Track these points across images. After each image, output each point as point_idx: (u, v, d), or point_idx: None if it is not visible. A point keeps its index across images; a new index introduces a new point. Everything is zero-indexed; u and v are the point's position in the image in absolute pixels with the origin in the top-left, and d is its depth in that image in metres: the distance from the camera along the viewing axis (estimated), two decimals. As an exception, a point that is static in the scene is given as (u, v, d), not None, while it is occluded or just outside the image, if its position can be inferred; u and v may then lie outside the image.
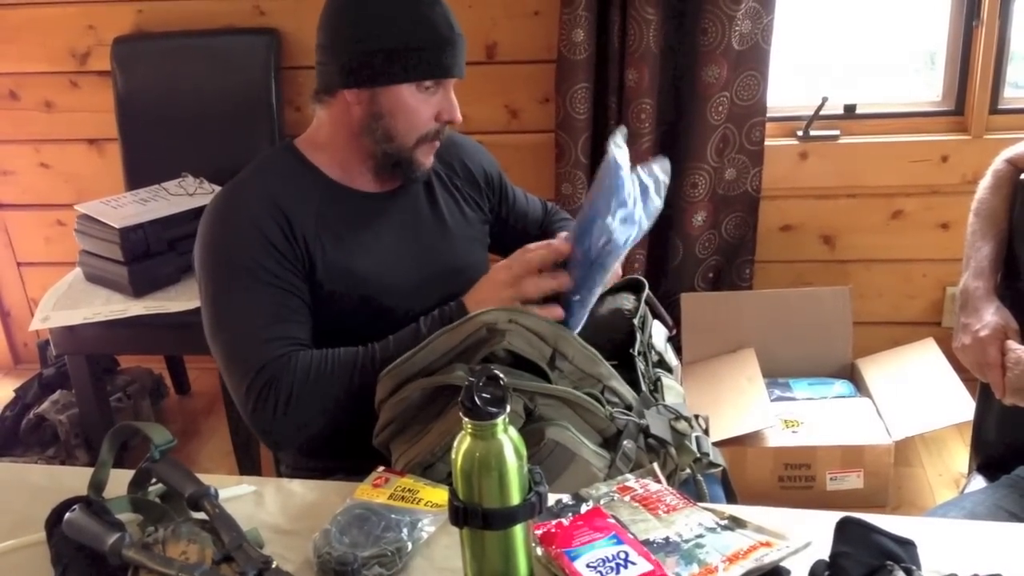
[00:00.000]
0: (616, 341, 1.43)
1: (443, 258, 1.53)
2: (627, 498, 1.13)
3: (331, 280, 1.43)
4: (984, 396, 1.61)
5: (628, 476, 1.20)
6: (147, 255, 2.36)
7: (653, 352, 1.47)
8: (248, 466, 2.46)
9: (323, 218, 1.44)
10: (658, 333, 1.51)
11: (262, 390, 1.33)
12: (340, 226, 1.45)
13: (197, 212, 2.39)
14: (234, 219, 1.42)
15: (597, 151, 2.60)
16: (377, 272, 1.45)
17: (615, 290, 1.51)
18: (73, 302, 2.38)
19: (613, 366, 1.35)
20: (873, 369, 2.64)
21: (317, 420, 1.36)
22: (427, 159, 1.48)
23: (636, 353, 1.41)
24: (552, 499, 1.12)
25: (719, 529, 1.06)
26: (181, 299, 2.33)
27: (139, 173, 2.68)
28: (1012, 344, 1.35)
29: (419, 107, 1.42)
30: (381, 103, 1.41)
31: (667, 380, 1.44)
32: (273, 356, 1.35)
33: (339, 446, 1.42)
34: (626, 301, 1.48)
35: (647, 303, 1.51)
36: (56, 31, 2.77)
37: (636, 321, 1.45)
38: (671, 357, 1.51)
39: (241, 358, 1.36)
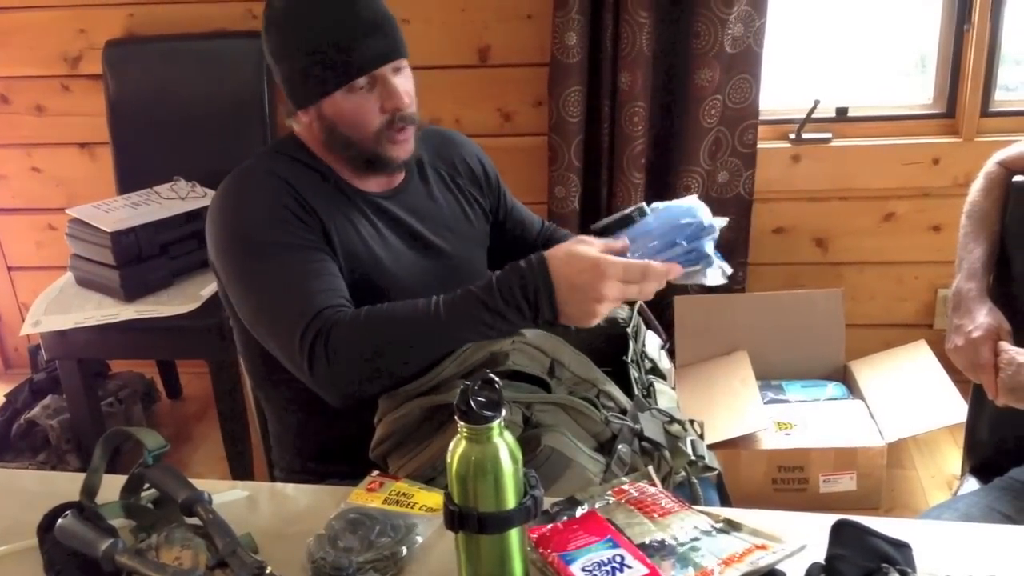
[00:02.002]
0: (610, 350, 1.43)
1: (444, 258, 1.52)
2: (622, 501, 1.13)
3: (344, 259, 1.40)
4: (977, 398, 1.61)
5: (623, 479, 1.20)
6: (139, 259, 2.35)
7: (646, 360, 1.48)
8: (241, 471, 2.46)
9: (332, 204, 1.42)
10: (651, 342, 1.52)
11: (316, 340, 1.26)
12: (348, 215, 1.44)
13: (189, 216, 2.41)
14: (249, 197, 1.41)
15: (590, 154, 2.60)
16: (378, 269, 1.44)
17: None
18: (64, 307, 2.37)
19: (607, 373, 1.35)
20: (866, 371, 2.65)
21: (377, 371, 1.27)
22: (397, 150, 1.43)
23: (629, 361, 1.41)
24: (547, 502, 1.12)
25: (714, 532, 1.06)
26: (173, 303, 2.32)
27: (131, 177, 2.67)
28: (1005, 345, 1.35)
29: (360, 107, 1.39)
30: (326, 116, 1.41)
31: (660, 385, 1.45)
32: (323, 306, 1.29)
33: (334, 451, 1.42)
34: (620, 311, 1.49)
35: (639, 314, 1.52)
36: (47, 35, 2.76)
37: (629, 330, 1.45)
38: (664, 363, 1.52)
39: (290, 318, 1.29)
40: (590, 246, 1.23)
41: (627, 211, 1.31)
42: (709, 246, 1.29)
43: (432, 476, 1.22)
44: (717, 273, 1.30)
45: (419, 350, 1.26)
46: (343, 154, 1.43)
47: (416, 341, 1.26)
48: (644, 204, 1.32)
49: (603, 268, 1.19)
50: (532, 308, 1.22)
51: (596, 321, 1.22)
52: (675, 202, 1.33)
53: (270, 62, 1.44)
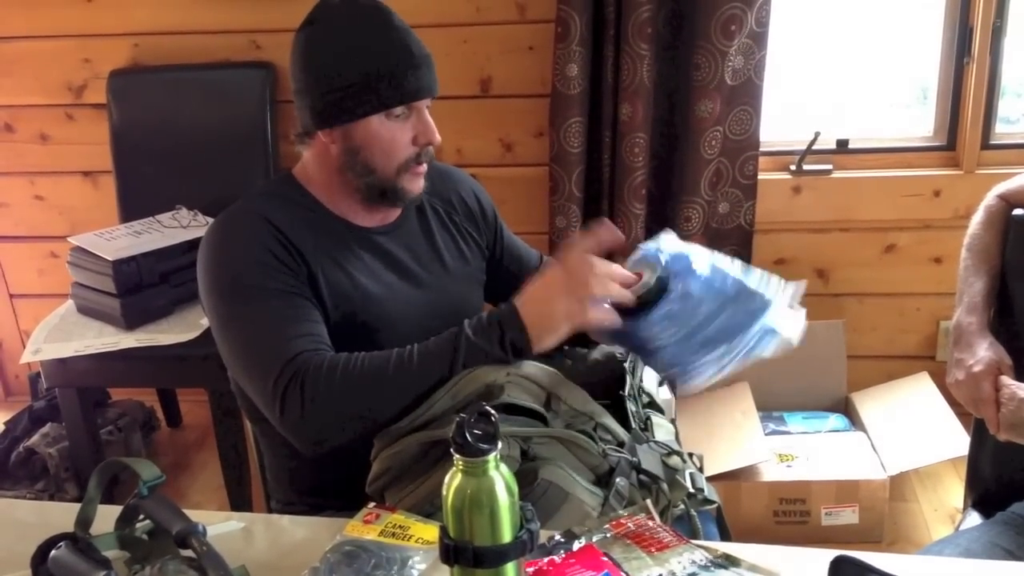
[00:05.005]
0: (608, 384, 1.43)
1: (438, 296, 1.52)
2: (620, 535, 1.12)
3: (332, 302, 1.41)
4: (978, 432, 1.61)
5: (621, 513, 1.19)
6: (140, 287, 2.35)
7: (644, 395, 1.47)
8: (240, 499, 2.45)
9: (321, 244, 1.43)
10: (649, 377, 1.51)
11: (289, 385, 1.27)
12: (338, 255, 1.44)
13: (191, 244, 2.42)
14: (233, 239, 1.41)
15: (591, 184, 2.61)
16: (371, 307, 1.44)
17: None
18: (65, 334, 2.37)
19: (604, 406, 1.35)
20: (867, 403, 2.63)
21: (349, 421, 1.29)
22: (414, 185, 1.45)
23: (626, 395, 1.41)
24: (544, 536, 1.11)
25: (712, 567, 1.05)
26: (173, 332, 2.32)
27: (133, 205, 2.68)
28: (1006, 380, 1.34)
29: (393, 135, 1.41)
30: (354, 138, 1.40)
31: (657, 419, 1.44)
32: (299, 351, 1.30)
33: (330, 485, 1.41)
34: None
35: None
36: (52, 64, 2.78)
37: (627, 365, 1.45)
38: (664, 394, 1.51)
39: (266, 361, 1.30)
40: None
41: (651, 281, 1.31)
42: (771, 317, 1.26)
43: (430, 512, 1.21)
44: (777, 344, 1.27)
45: (394, 395, 1.28)
46: (358, 181, 1.43)
47: (392, 386, 1.28)
48: (664, 276, 1.31)
49: (552, 275, 1.31)
50: (496, 329, 1.29)
51: (561, 325, 1.27)
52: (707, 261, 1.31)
53: (298, 78, 1.42)
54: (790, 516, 2.35)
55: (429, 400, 1.26)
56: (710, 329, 1.27)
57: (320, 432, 1.29)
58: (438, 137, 1.44)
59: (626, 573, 1.04)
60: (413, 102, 1.40)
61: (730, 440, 2.41)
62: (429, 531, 1.15)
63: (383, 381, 1.28)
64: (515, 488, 0.95)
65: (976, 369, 1.37)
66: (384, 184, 1.43)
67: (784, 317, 1.27)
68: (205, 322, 2.31)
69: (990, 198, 1.55)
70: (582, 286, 1.27)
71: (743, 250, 2.67)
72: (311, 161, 1.49)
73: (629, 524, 1.15)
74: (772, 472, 2.37)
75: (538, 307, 1.29)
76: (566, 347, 1.47)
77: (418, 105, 1.42)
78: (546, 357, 1.34)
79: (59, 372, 2.37)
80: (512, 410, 1.26)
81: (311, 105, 1.41)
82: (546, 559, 1.08)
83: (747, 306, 1.27)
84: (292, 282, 1.37)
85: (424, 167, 1.45)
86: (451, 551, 0.94)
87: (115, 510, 1.19)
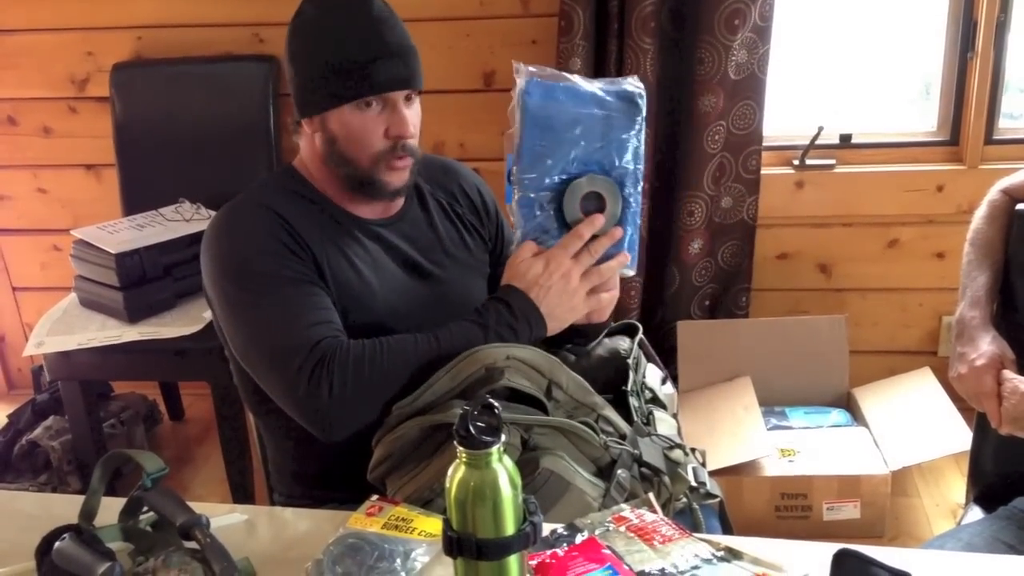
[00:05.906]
0: (611, 380, 1.44)
1: (443, 286, 1.52)
2: (622, 528, 1.13)
3: (336, 292, 1.41)
4: (981, 426, 1.61)
5: (623, 506, 1.20)
6: (143, 281, 2.36)
7: (647, 391, 1.47)
8: (242, 493, 2.45)
9: (326, 234, 1.43)
10: (652, 374, 1.52)
11: (315, 369, 1.28)
12: (342, 246, 1.44)
13: (194, 238, 2.42)
14: (241, 229, 1.41)
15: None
16: (374, 297, 1.44)
17: (611, 333, 1.52)
18: (68, 327, 2.37)
19: (607, 401, 1.35)
20: (869, 398, 2.63)
21: (374, 407, 1.29)
22: (392, 177, 1.43)
23: (629, 391, 1.41)
24: (547, 529, 1.11)
25: (715, 560, 1.05)
26: (176, 325, 2.32)
27: (136, 199, 2.68)
28: (1008, 374, 1.34)
29: (365, 126, 1.39)
30: (330, 128, 1.41)
31: (660, 414, 1.44)
32: (320, 337, 1.30)
33: (333, 477, 1.41)
34: (622, 342, 1.50)
35: (640, 347, 1.52)
36: (55, 57, 2.78)
37: (630, 361, 1.45)
38: (667, 390, 1.51)
39: (287, 348, 1.30)
40: (522, 256, 1.36)
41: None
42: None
43: (430, 498, 1.21)
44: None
45: (416, 379, 1.29)
46: (339, 171, 1.43)
47: (420, 376, 1.29)
48: None
49: (551, 258, 1.34)
50: (526, 327, 1.34)
51: (582, 309, 1.37)
52: None
53: (286, 66, 1.45)
54: (791, 511, 2.36)
55: (428, 381, 1.27)
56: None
57: (344, 418, 1.30)
58: (409, 131, 1.41)
59: (628, 566, 1.04)
60: (382, 94, 1.39)
61: (732, 435, 2.41)
62: (432, 524, 1.15)
63: (410, 370, 1.30)
64: (518, 481, 0.95)
65: (978, 363, 1.37)
66: (362, 175, 1.43)
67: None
68: (208, 315, 2.30)
69: (993, 193, 1.55)
70: (597, 275, 1.36)
71: (746, 245, 2.67)
72: (305, 152, 1.50)
73: (632, 517, 1.15)
74: (774, 467, 2.37)
75: (558, 299, 1.35)
76: (569, 345, 1.48)
77: (392, 97, 1.40)
78: (551, 353, 1.35)
79: (62, 365, 2.38)
80: (512, 398, 1.26)
81: (294, 94, 1.44)
82: (549, 552, 1.08)
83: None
84: (302, 269, 1.37)
85: (406, 161, 1.43)
86: (454, 543, 0.94)
87: (119, 502, 1.20)
